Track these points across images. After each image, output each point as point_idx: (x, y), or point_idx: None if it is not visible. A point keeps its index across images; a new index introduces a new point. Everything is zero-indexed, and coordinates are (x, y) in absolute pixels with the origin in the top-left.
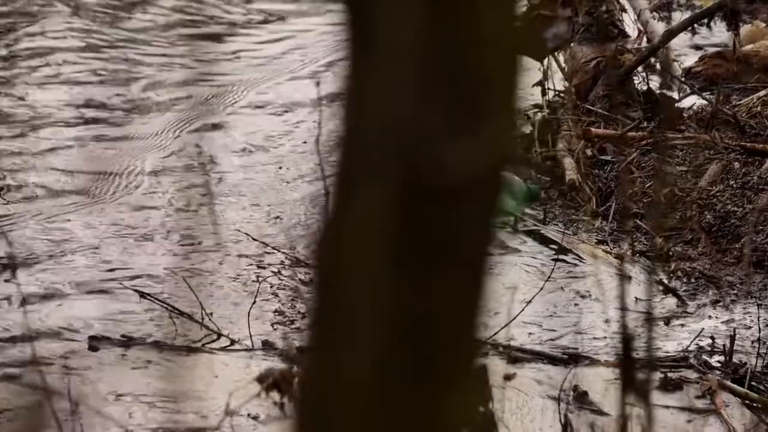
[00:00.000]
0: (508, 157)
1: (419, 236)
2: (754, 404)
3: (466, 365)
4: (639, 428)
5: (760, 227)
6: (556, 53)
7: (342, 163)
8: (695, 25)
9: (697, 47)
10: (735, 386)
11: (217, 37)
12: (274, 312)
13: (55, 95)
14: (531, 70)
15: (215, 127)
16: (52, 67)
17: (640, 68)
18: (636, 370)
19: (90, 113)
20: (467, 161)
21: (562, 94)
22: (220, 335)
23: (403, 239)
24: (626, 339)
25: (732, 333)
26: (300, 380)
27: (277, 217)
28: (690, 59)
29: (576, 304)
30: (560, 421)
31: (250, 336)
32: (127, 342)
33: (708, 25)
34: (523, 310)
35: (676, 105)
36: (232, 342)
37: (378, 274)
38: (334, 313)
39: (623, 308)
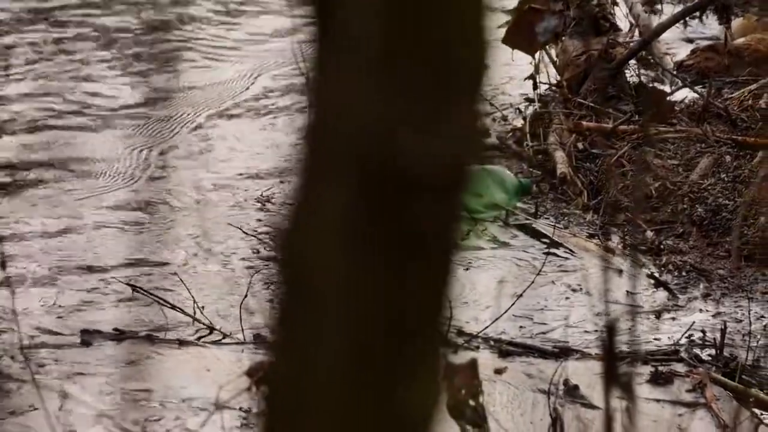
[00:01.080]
0: (476, 148)
1: (385, 228)
2: (745, 398)
3: (433, 356)
4: (626, 421)
5: (751, 221)
6: (547, 47)
7: (307, 154)
8: (687, 19)
9: (689, 40)
10: (725, 380)
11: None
12: (267, 304)
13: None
14: (522, 63)
15: (197, 126)
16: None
17: (631, 62)
18: (619, 363)
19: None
20: (434, 152)
21: (553, 88)
22: (212, 329)
23: (368, 231)
24: (609, 332)
25: (722, 326)
26: (268, 378)
27: (269, 210)
28: (682, 52)
29: (567, 298)
30: (550, 414)
31: (242, 329)
32: (119, 336)
33: (700, 18)
34: (513, 303)
35: (668, 98)
36: (224, 336)
37: (344, 267)
38: (302, 309)
39: (606, 301)
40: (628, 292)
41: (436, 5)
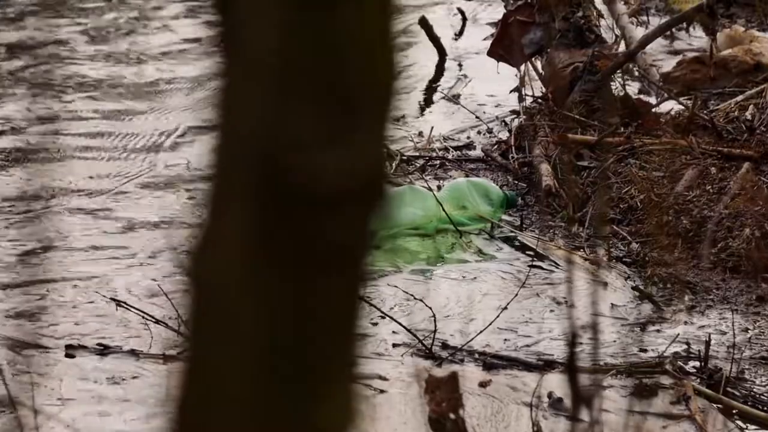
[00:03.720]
0: (382, 163)
1: (290, 244)
2: (729, 410)
3: (343, 372)
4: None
5: (737, 232)
6: (533, 59)
7: (213, 171)
8: (674, 30)
9: (676, 52)
10: (710, 392)
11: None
12: None
13: None
14: (508, 76)
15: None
16: None
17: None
18: (580, 375)
19: None
20: (337, 167)
21: (539, 100)
22: None
23: (272, 247)
24: (572, 343)
25: (707, 339)
26: (175, 393)
27: None
28: (669, 64)
29: (552, 311)
30: (533, 427)
31: None
32: (103, 350)
33: (686, 30)
34: (498, 316)
35: (653, 110)
36: None
37: (248, 285)
38: (210, 326)
39: (572, 313)
40: (612, 304)
41: (335, 20)
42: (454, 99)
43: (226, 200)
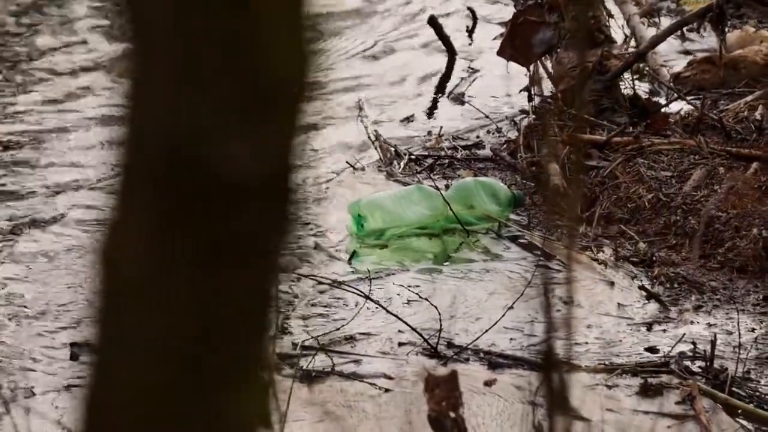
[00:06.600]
0: (291, 156)
1: (197, 235)
2: (734, 410)
3: (250, 366)
4: None
5: (744, 232)
6: (542, 58)
7: (122, 158)
8: (685, 31)
9: (687, 52)
10: (715, 392)
11: None
12: None
13: None
14: (518, 75)
15: None
16: None
17: (626, 73)
18: (554, 375)
19: None
20: (243, 158)
21: (548, 100)
22: None
23: (180, 237)
24: (548, 340)
25: (713, 338)
26: (85, 377)
27: None
28: (680, 65)
29: (558, 310)
30: (533, 426)
31: None
32: None
33: (698, 31)
34: (503, 315)
35: (663, 110)
36: None
37: (157, 272)
38: (114, 316)
39: (548, 315)
40: (619, 304)
41: (245, 13)
42: (464, 98)
43: (134, 189)
